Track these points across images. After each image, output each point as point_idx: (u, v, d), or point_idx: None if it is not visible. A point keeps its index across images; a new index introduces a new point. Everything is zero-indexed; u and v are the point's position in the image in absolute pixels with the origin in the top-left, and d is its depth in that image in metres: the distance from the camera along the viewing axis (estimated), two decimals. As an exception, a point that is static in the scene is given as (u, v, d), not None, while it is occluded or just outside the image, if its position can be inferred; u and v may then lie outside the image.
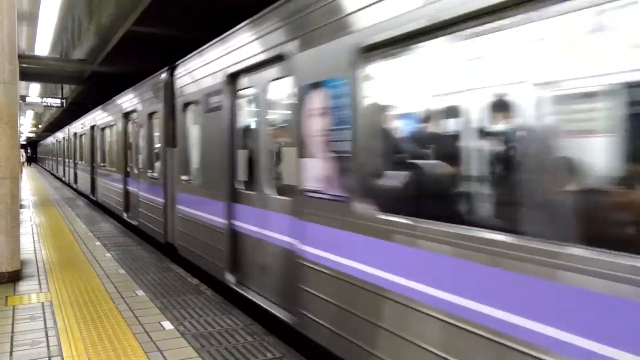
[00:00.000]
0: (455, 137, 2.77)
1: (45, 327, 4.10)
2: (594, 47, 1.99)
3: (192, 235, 6.21)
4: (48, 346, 3.71)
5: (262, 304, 4.41)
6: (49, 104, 17.85)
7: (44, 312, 4.45)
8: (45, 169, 40.95)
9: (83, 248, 7.46)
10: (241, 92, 4.96)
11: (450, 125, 2.86)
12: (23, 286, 5.33)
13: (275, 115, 4.52)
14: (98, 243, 7.86)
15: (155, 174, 7.87)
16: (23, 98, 17.08)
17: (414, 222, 2.59)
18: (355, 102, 3.02)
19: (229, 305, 4.79)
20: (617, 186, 2.03)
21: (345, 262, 3.15)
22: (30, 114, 34.34)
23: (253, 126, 4.82)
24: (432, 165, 2.97)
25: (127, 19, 8.96)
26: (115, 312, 4.47)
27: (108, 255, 6.97)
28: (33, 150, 58.19)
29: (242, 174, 4.80)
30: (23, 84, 17.22)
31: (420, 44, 2.60)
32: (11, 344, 3.73)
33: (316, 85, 3.42)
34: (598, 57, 1.99)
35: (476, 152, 2.63)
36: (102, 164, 12.94)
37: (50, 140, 37.47)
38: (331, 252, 3.30)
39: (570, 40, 2.02)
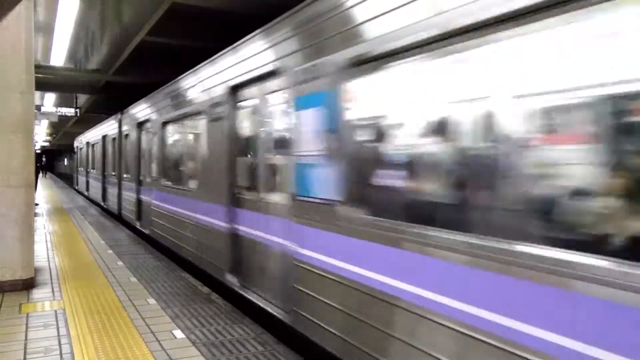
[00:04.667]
0: None
1: (59, 334, 4.13)
2: None
3: None
4: (61, 354, 3.73)
5: None
6: (63, 114, 18.12)
7: (57, 320, 4.48)
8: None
9: (95, 256, 7.52)
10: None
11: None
12: (36, 294, 5.37)
13: None
14: (110, 251, 7.92)
15: None
16: (38, 108, 17.36)
17: None
18: None
19: (239, 314, 4.78)
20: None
21: None
22: (45, 122, 32.53)
23: None
24: None
25: (141, 30, 9.09)
26: (127, 321, 4.48)
27: (120, 263, 7.02)
28: (48, 159, 59.15)
29: None
30: (38, 93, 17.51)
31: None
32: (25, 352, 3.76)
33: None
34: None
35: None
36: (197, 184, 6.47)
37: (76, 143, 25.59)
38: None
39: None
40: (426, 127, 2.91)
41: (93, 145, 18.35)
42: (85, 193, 20.62)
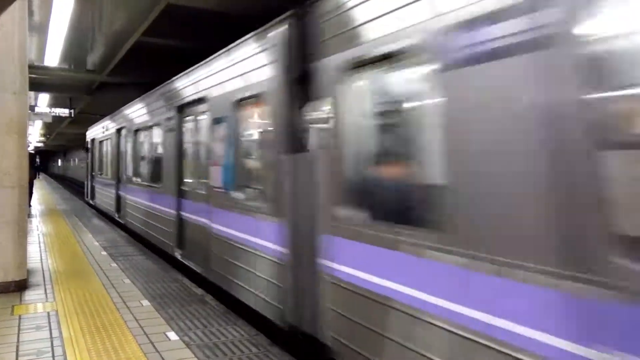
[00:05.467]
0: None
1: (51, 336, 4.10)
2: None
3: None
4: (53, 356, 3.70)
5: None
6: (57, 114, 18.03)
7: (49, 322, 4.45)
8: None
9: (89, 258, 7.48)
10: None
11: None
12: (29, 295, 5.33)
13: None
14: (104, 253, 7.88)
15: None
16: (32, 108, 17.26)
17: None
18: None
19: (233, 315, 4.77)
20: None
21: None
22: (39, 123, 31.37)
23: None
24: None
25: (137, 30, 9.06)
26: (121, 322, 4.46)
27: (114, 265, 6.98)
28: (42, 160, 59.29)
29: None
30: (32, 93, 17.41)
31: None
32: (17, 354, 3.73)
33: None
34: None
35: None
36: None
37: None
38: None
39: None
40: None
41: (137, 132, 9.97)
42: (117, 217, 11.75)
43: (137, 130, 9.96)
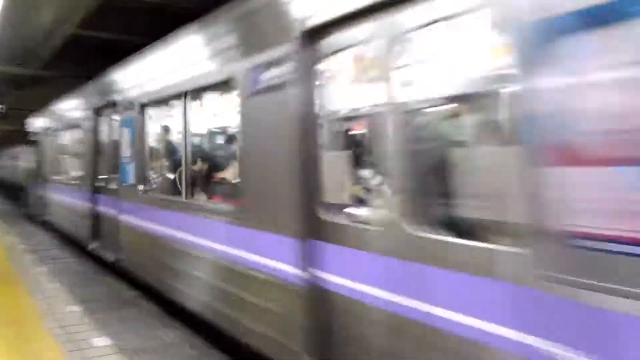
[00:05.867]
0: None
1: (-38, 347, 3.74)
2: None
3: None
4: (-37, 367, 3.38)
5: None
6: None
7: (-39, 331, 4.06)
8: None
9: (13, 262, 6.94)
10: None
11: None
12: (-60, 303, 4.86)
13: None
14: (30, 256, 7.35)
15: None
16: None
17: None
18: None
19: (169, 317, 4.58)
20: None
21: None
22: None
23: None
24: None
25: (69, 23, 8.64)
26: (46, 330, 4.14)
27: (40, 269, 6.52)
28: None
29: None
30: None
31: None
32: None
33: None
34: None
35: None
36: None
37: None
38: None
39: None
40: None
41: (145, 107, 5.71)
42: (91, 247, 7.16)
43: (144, 105, 5.70)
